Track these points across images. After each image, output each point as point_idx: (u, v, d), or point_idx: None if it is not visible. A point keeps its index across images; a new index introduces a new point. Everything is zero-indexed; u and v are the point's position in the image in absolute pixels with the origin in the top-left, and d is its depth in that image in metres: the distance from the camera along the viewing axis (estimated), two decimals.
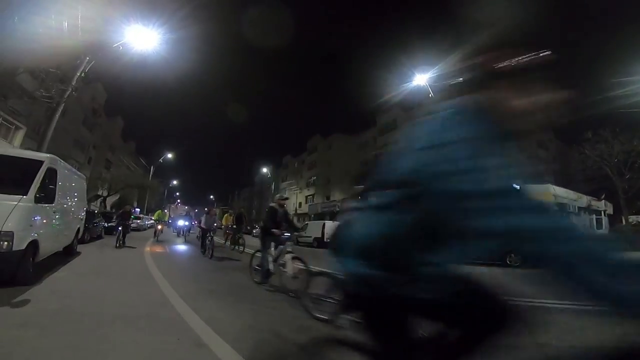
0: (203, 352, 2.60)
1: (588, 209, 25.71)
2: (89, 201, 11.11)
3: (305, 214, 44.51)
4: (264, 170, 50.89)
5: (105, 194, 35.94)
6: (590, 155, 23.95)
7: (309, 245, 19.90)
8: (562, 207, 24.20)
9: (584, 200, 24.87)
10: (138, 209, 35.79)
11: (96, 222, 12.84)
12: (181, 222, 20.02)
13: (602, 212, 27.05)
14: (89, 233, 11.23)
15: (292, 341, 2.93)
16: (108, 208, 33.70)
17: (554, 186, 25.00)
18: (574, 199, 24.39)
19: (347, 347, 1.22)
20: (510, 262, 10.19)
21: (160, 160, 37.89)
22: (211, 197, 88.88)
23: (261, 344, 2.87)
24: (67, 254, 7.21)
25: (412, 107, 35.20)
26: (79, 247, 8.40)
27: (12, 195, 4.36)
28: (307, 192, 49.48)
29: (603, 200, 25.83)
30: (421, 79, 17.07)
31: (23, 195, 4.45)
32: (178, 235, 19.57)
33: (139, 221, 25.27)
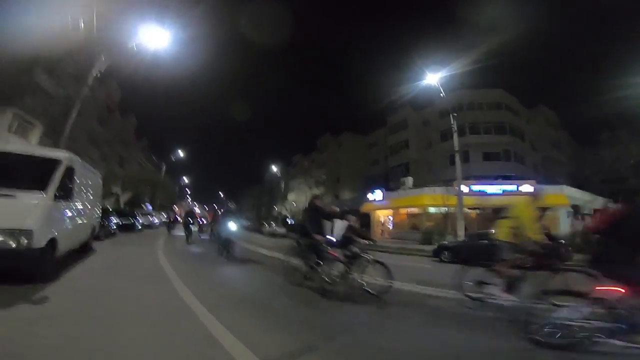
0: (215, 348, 2.59)
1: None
2: (103, 198, 11.32)
3: None
4: (274, 168, 51.03)
5: (119, 191, 36.60)
6: (605, 157, 23.45)
7: None
8: (576, 208, 23.63)
9: (599, 201, 24.30)
10: (151, 206, 36.32)
11: (110, 219, 13.07)
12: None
13: None
14: (104, 230, 11.44)
15: None
16: (122, 205, 34.31)
17: (568, 187, 24.46)
18: (589, 200, 23.84)
19: None
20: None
21: (172, 157, 38.42)
22: (220, 194, 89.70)
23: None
24: (84, 251, 7.35)
25: (422, 106, 34.98)
26: (96, 245, 8.56)
27: (31, 193, 4.45)
28: (316, 191, 49.47)
29: (619, 202, 25.14)
30: (432, 78, 16.92)
31: (42, 193, 4.53)
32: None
33: (151, 218, 25.71)
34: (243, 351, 2.56)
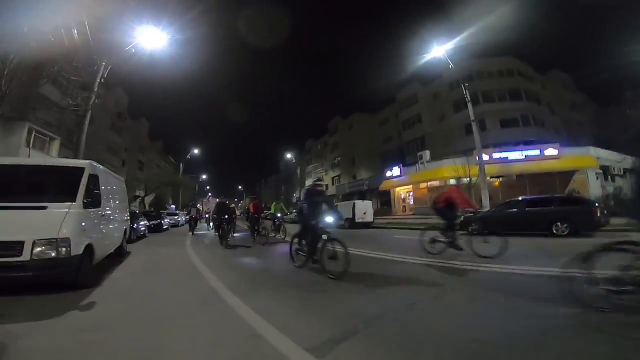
0: (259, 342, 2.61)
1: (634, 171, 23.98)
2: (129, 202, 11.57)
3: (333, 195, 44.61)
4: (288, 156, 51.15)
5: (142, 194, 37.71)
6: (630, 115, 22.34)
7: (341, 226, 19.87)
8: (605, 169, 22.61)
9: (629, 161, 23.27)
10: (174, 206, 37.32)
11: (140, 222, 13.47)
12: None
13: None
14: (134, 233, 11.81)
15: None
16: (147, 207, 35.38)
17: (594, 148, 23.38)
18: (618, 160, 22.75)
19: None
20: (556, 231, 9.67)
21: (188, 156, 39.07)
22: (239, 187, 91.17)
23: None
24: (119, 254, 7.60)
25: (430, 80, 33.87)
26: (128, 247, 8.85)
27: (61, 203, 4.57)
28: (332, 174, 49.44)
29: None
30: (439, 50, 16.28)
31: (72, 202, 4.64)
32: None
33: (177, 217, 26.40)
34: (289, 344, 2.56)
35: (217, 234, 11.37)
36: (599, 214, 9.73)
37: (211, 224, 19.57)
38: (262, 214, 12.66)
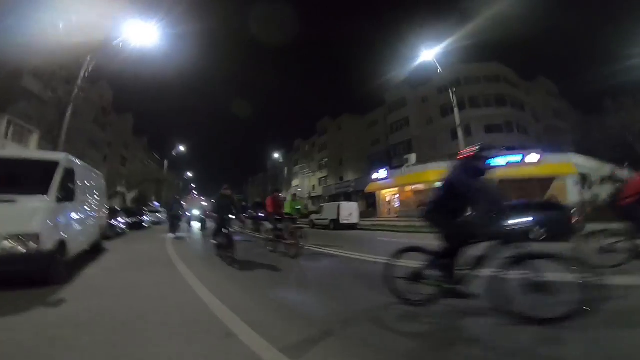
0: (232, 342, 2.57)
1: (612, 178, 24.95)
2: (110, 198, 11.19)
3: (320, 196, 44.61)
4: (276, 155, 50.89)
5: (124, 190, 36.82)
6: (611, 124, 23.20)
7: (326, 227, 19.94)
8: (584, 176, 23.40)
9: (607, 169, 24.18)
10: (158, 203, 36.55)
11: (118, 219, 13.15)
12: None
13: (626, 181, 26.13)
14: (113, 230, 11.52)
15: None
16: (128, 204, 34.57)
17: (575, 155, 24.17)
18: (597, 168, 23.60)
19: None
20: (533, 236, 9.90)
21: (173, 153, 38.36)
22: (225, 186, 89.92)
23: None
24: (95, 251, 7.40)
25: (420, 83, 34.36)
26: (106, 244, 8.62)
27: (33, 197, 4.42)
28: (320, 175, 49.45)
29: (626, 169, 25.00)
30: (428, 54, 16.56)
31: (44, 196, 4.50)
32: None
33: (159, 215, 25.89)
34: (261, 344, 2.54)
35: (215, 242, 7.39)
36: (575, 220, 10.04)
37: (196, 224, 18.21)
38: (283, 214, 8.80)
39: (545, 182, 22.66)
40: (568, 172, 22.64)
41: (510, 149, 26.15)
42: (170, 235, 12.44)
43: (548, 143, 30.21)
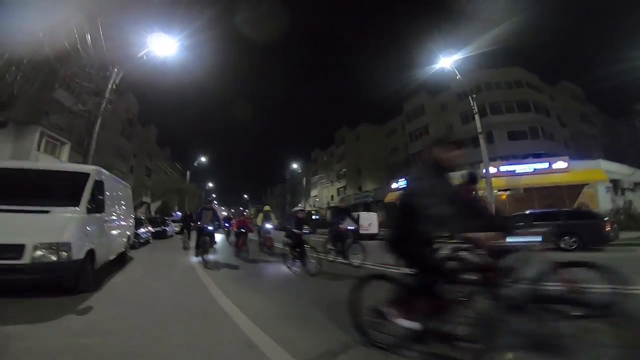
0: (253, 353, 2.57)
1: None
2: (135, 208, 11.56)
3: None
4: (294, 166, 51.27)
5: (149, 200, 38.02)
6: None
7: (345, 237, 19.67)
8: (615, 183, 22.21)
9: (639, 175, 22.82)
10: (180, 213, 37.48)
11: (144, 228, 13.55)
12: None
13: None
14: (138, 239, 11.86)
15: None
16: (152, 214, 35.61)
17: (605, 161, 23.00)
18: (628, 174, 22.32)
19: None
20: (564, 245, 9.49)
21: (195, 164, 39.40)
22: (245, 196, 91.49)
23: None
24: (121, 260, 7.62)
25: (438, 91, 33.93)
26: (131, 253, 8.87)
27: (65, 208, 4.63)
28: (338, 185, 49.33)
29: None
30: (446, 61, 16.37)
31: (76, 207, 4.69)
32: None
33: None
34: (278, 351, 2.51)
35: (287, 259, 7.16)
36: (608, 229, 9.54)
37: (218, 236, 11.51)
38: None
39: (574, 190, 21.60)
40: (598, 178, 21.50)
41: (537, 155, 25.21)
42: (195, 259, 8.46)
43: (576, 149, 28.95)
